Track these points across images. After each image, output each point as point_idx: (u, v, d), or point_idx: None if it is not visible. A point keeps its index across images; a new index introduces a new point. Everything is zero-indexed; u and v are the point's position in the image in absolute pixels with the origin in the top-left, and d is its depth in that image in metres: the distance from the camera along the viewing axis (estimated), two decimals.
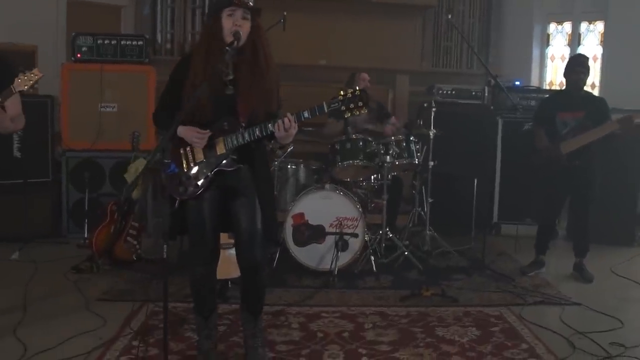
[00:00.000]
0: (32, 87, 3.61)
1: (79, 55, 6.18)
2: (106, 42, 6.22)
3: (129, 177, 5.36)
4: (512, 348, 3.79)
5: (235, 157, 3.17)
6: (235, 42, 3.06)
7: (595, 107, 5.23)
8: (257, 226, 3.25)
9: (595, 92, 8.13)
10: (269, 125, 3.10)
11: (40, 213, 6.12)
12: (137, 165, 5.38)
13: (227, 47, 3.06)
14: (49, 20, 7.64)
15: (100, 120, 6.14)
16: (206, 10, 8.75)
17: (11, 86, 3.54)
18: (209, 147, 3.16)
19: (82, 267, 5.09)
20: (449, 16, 7.67)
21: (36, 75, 3.58)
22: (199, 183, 3.15)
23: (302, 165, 5.74)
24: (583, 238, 5.43)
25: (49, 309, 4.24)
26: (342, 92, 3.09)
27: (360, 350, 3.70)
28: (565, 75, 5.35)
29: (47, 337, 3.71)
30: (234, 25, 3.12)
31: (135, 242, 5.25)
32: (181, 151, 3.19)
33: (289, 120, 3.08)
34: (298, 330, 3.99)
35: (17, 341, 3.67)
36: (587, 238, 5.42)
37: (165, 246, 2.93)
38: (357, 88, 3.09)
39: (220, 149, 3.15)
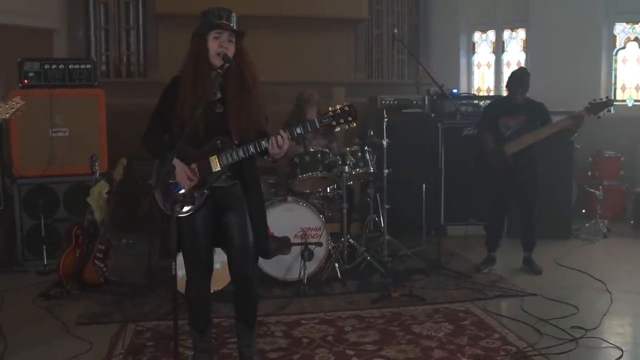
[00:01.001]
0: (13, 115, 3.65)
1: (26, 81, 6.12)
2: (54, 66, 6.18)
3: (92, 200, 5.36)
4: (486, 338, 4.08)
5: (230, 174, 3.31)
6: (226, 65, 3.21)
7: (536, 111, 5.63)
8: (249, 240, 3.40)
9: None
10: (263, 142, 3.26)
11: None
12: (100, 188, 5.40)
13: (218, 70, 3.21)
14: None
15: (52, 145, 6.09)
16: (141, 30, 8.82)
17: None
18: (203, 165, 3.28)
19: (51, 293, 5.07)
20: (395, 31, 7.96)
21: (18, 103, 3.62)
22: (195, 200, 3.27)
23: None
24: (530, 233, 5.81)
25: (29, 337, 4.22)
26: (331, 108, 3.29)
27: (348, 351, 3.89)
28: (508, 86, 5.71)
29: None
30: (220, 47, 3.27)
31: (102, 265, 5.26)
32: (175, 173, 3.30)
33: (282, 138, 3.24)
34: (282, 337, 4.15)
35: None
36: (534, 233, 5.80)
37: (173, 263, 3.01)
38: (346, 104, 3.29)
39: (215, 167, 3.28)
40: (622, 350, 3.85)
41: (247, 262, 3.39)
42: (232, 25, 3.32)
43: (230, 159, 3.28)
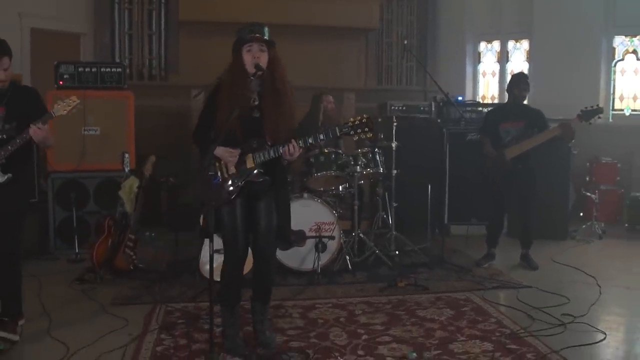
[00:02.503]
0: (70, 112, 4.11)
1: (61, 83, 6.59)
2: (87, 69, 6.66)
3: (123, 193, 5.81)
4: (484, 322, 4.51)
5: (262, 170, 3.77)
6: (258, 72, 3.66)
7: (534, 117, 6.06)
8: (273, 225, 3.88)
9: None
10: (280, 148, 3.73)
11: (28, 232, 6.45)
12: (130, 183, 5.84)
13: (251, 77, 3.67)
14: (14, 48, 7.94)
15: (84, 143, 6.56)
16: (162, 36, 9.31)
17: (51, 111, 4.04)
18: (240, 161, 3.75)
19: (85, 277, 5.54)
20: (405, 42, 8.41)
21: (74, 101, 4.09)
22: (231, 190, 3.73)
23: None
24: (528, 231, 6.24)
25: (70, 315, 4.68)
26: (351, 119, 3.75)
27: (359, 330, 4.34)
28: (509, 90, 6.15)
29: (80, 337, 4.17)
30: (253, 57, 3.73)
31: (132, 253, 5.71)
32: (217, 165, 3.76)
33: (293, 147, 3.71)
34: (299, 318, 4.59)
35: (56, 341, 4.12)
36: (531, 231, 6.23)
37: (210, 244, 3.45)
38: (365, 116, 3.74)
39: (250, 164, 3.75)
40: (605, 334, 4.28)
41: (269, 244, 3.88)
42: (263, 36, 3.75)
43: (262, 158, 3.75)
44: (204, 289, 5.05)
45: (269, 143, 3.78)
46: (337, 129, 3.79)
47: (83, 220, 6.55)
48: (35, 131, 3.97)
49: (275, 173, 3.88)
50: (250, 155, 3.76)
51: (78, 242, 6.36)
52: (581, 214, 8.13)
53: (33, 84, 7.62)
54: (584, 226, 7.67)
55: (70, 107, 4.12)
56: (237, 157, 3.73)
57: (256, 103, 3.78)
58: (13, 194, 4.16)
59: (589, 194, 7.87)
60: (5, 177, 4.08)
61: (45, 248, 6.56)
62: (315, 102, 6.77)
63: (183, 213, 6.97)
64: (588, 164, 8.39)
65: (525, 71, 9.23)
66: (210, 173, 3.61)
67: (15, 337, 4.09)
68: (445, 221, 7.51)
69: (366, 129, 3.74)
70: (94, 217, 6.54)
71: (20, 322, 4.26)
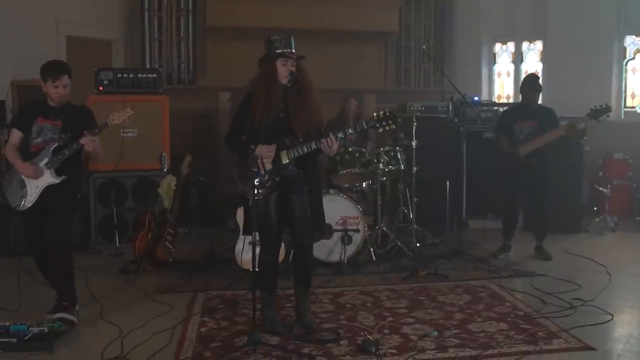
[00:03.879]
0: (124, 122, 4.57)
1: (101, 88, 7.04)
2: (125, 75, 7.12)
3: (162, 191, 6.25)
4: (499, 305, 4.90)
5: (295, 166, 4.18)
6: (293, 79, 4.09)
7: (547, 116, 6.41)
8: (308, 216, 4.30)
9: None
10: (318, 142, 4.13)
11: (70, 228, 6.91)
12: (169, 181, 6.28)
13: (288, 84, 4.09)
14: (51, 55, 8.41)
15: (122, 144, 7.00)
16: (190, 41, 9.72)
17: (107, 120, 4.50)
18: (275, 159, 4.16)
19: (128, 269, 5.97)
20: (424, 47, 8.80)
21: (128, 112, 4.55)
22: (269, 185, 4.15)
23: None
24: (542, 224, 6.60)
25: (118, 302, 5.11)
26: (375, 114, 4.15)
27: (384, 313, 4.74)
28: (522, 91, 6.51)
29: (130, 320, 4.59)
30: (287, 70, 4.15)
31: (171, 246, 6.14)
32: (258, 161, 4.18)
33: (331, 139, 4.12)
34: (329, 304, 5.01)
35: (109, 324, 4.56)
36: (545, 224, 6.59)
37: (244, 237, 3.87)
38: (387, 110, 4.14)
39: (284, 159, 4.17)
40: (612, 315, 4.64)
41: (305, 234, 4.30)
42: (294, 51, 4.18)
43: (296, 153, 4.17)
44: (240, 277, 5.47)
45: (301, 140, 4.19)
46: (364, 123, 4.21)
47: (122, 216, 6.99)
48: (87, 139, 4.43)
49: (308, 167, 4.30)
50: (285, 152, 4.17)
51: (118, 237, 6.79)
52: (595, 209, 8.40)
53: (70, 89, 8.08)
54: (596, 220, 7.98)
55: (125, 117, 4.62)
56: (274, 152, 4.14)
57: (282, 105, 4.21)
58: (65, 192, 4.65)
59: (601, 188, 8.19)
60: (60, 178, 4.57)
61: (87, 243, 7.00)
62: (343, 103, 7.14)
63: (214, 210, 7.43)
64: (601, 160, 8.69)
65: (539, 71, 9.63)
66: (253, 169, 4.05)
67: (75, 319, 4.53)
68: (464, 216, 7.86)
69: (390, 122, 4.14)
70: (132, 213, 7.00)
71: (76, 307, 4.70)
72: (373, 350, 3.94)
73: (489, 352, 3.97)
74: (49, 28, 8.46)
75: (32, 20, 8.10)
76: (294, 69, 4.17)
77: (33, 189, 4.56)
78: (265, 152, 4.16)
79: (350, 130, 4.20)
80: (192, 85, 9.71)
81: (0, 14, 7.86)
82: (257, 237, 4.14)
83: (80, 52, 8.83)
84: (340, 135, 4.21)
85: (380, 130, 4.18)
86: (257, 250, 4.21)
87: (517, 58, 10.00)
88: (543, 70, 9.58)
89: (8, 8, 7.86)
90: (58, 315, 4.47)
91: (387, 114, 4.17)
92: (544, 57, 9.64)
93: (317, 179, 4.41)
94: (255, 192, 4.05)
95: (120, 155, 7.00)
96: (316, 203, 4.34)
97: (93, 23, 9.09)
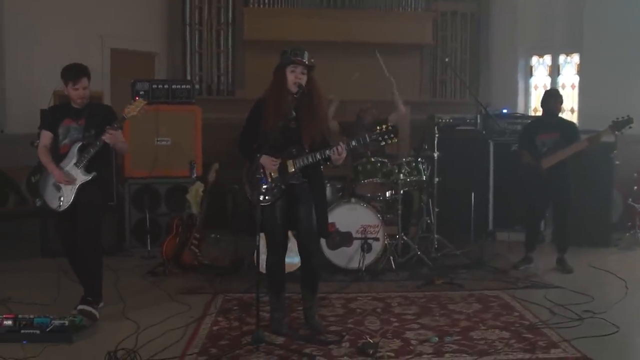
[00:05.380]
0: (139, 112, 4.83)
1: (137, 98, 7.29)
2: (159, 86, 7.43)
3: (191, 197, 6.52)
4: (507, 315, 4.98)
5: (301, 174, 4.37)
6: (300, 91, 4.27)
7: (568, 129, 6.46)
8: (313, 224, 4.46)
9: (574, 116, 9.38)
10: (327, 151, 4.31)
11: (107, 232, 7.22)
12: (197, 187, 6.55)
13: (294, 95, 4.28)
14: (96, 67, 8.81)
15: (156, 152, 7.32)
16: (230, 54, 10.05)
17: (123, 114, 4.78)
18: (281, 167, 4.35)
19: (156, 271, 6.25)
20: (446, 59, 8.95)
21: (141, 102, 4.82)
22: (275, 192, 4.35)
23: (328, 185, 6.87)
24: (564, 236, 6.61)
25: (142, 300, 5.39)
26: (378, 128, 4.32)
27: (391, 319, 4.88)
28: (543, 104, 6.57)
29: (150, 318, 4.84)
30: (296, 78, 4.33)
31: (197, 250, 6.39)
32: (261, 170, 4.37)
33: (341, 147, 4.28)
34: (340, 308, 5.17)
35: (129, 320, 4.82)
36: (567, 236, 6.59)
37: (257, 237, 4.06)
38: (390, 124, 4.33)
39: (290, 168, 4.35)
40: (618, 328, 4.66)
41: (311, 239, 4.47)
42: (304, 60, 4.36)
43: (302, 163, 4.35)
44: (258, 281, 5.65)
45: (307, 150, 4.37)
46: (367, 136, 4.37)
47: (155, 221, 7.29)
48: (108, 135, 4.70)
49: (313, 176, 4.47)
50: (291, 161, 4.36)
51: (150, 240, 7.09)
52: (629, 224, 8.33)
53: (113, 100, 8.46)
54: (627, 235, 7.92)
55: (138, 108, 4.89)
56: (278, 164, 4.33)
57: (293, 115, 4.38)
58: (96, 190, 4.96)
59: (634, 203, 8.11)
60: (90, 175, 4.86)
61: (121, 246, 7.31)
62: (359, 113, 7.29)
63: (244, 216, 7.64)
64: (636, 174, 8.60)
65: (576, 84, 9.61)
66: (257, 176, 4.26)
67: (97, 314, 4.80)
68: (490, 227, 7.91)
69: (391, 135, 4.30)
70: (165, 218, 7.28)
71: (101, 304, 4.98)
72: (371, 352, 4.08)
73: (485, 358, 4.07)
74: (94, 41, 8.89)
75: (77, 33, 8.54)
76: (303, 77, 4.34)
77: (69, 190, 4.86)
78: (269, 164, 4.34)
79: (353, 143, 4.37)
80: (231, 96, 10.02)
81: (48, 28, 8.32)
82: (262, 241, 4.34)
83: (124, 65, 9.26)
84: (352, 143, 4.38)
85: (382, 143, 4.34)
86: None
87: (554, 71, 9.97)
88: (580, 83, 9.55)
89: (55, 22, 8.33)
90: (80, 307, 4.77)
91: (390, 128, 4.32)
92: (581, 70, 9.60)
93: (321, 188, 4.59)
94: (262, 198, 4.25)
95: (154, 163, 7.30)
96: (321, 211, 4.50)
97: (136, 36, 9.51)
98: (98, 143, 4.79)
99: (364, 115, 7.14)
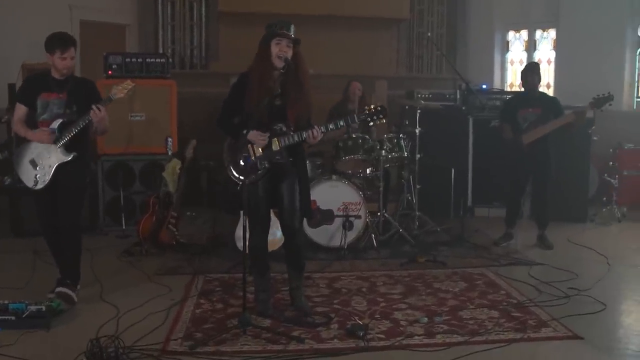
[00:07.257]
0: (126, 95, 4.63)
1: (110, 72, 7.13)
2: (133, 60, 7.19)
3: (167, 174, 6.34)
4: (493, 293, 4.93)
5: (286, 153, 4.23)
6: (286, 66, 4.11)
7: (550, 104, 6.40)
8: (296, 203, 4.34)
9: (550, 92, 9.35)
10: (304, 133, 4.19)
11: None
12: (173, 164, 6.37)
13: (281, 70, 4.12)
14: None
15: (130, 128, 7.11)
16: (203, 26, 9.81)
17: (109, 95, 4.56)
18: (266, 145, 4.20)
19: (132, 250, 6.09)
20: (429, 34, 8.82)
21: (129, 84, 4.61)
22: (259, 171, 4.20)
23: (308, 162, 6.74)
24: (544, 212, 6.59)
25: (119, 283, 5.22)
26: (367, 108, 4.21)
27: (378, 299, 4.79)
28: (523, 79, 6.49)
29: (129, 301, 4.68)
30: (280, 51, 4.17)
31: (174, 229, 6.24)
32: (248, 147, 4.23)
33: (316, 131, 4.17)
34: (325, 288, 5.07)
35: (107, 304, 4.66)
36: (547, 212, 6.57)
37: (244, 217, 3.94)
38: (379, 104, 4.19)
39: (275, 147, 4.20)
40: (605, 305, 4.65)
41: (294, 218, 4.33)
42: (290, 34, 4.20)
43: (287, 142, 4.20)
44: (239, 260, 5.54)
45: (292, 128, 4.23)
46: (355, 116, 4.24)
47: (130, 199, 7.11)
48: (95, 112, 4.48)
49: (295, 155, 4.33)
50: (276, 139, 4.21)
51: (125, 219, 6.91)
52: (604, 199, 8.37)
53: (82, 73, 8.17)
54: (604, 210, 7.95)
55: (126, 90, 4.67)
56: (267, 139, 4.18)
57: (279, 92, 4.23)
58: (77, 170, 4.72)
59: (609, 178, 8.15)
60: (71, 155, 4.62)
61: (95, 225, 7.11)
62: (345, 89, 7.18)
63: (223, 194, 7.49)
64: (611, 150, 8.63)
65: (552, 59, 9.59)
66: (244, 154, 4.11)
67: (74, 296, 4.63)
68: (469, 203, 7.87)
69: (380, 116, 4.18)
70: (140, 196, 7.10)
71: (77, 287, 4.80)
72: (361, 334, 4.00)
73: (476, 338, 4.01)
74: (62, 12, 8.57)
75: (46, 4, 8.21)
76: (289, 50, 4.19)
77: (46, 169, 4.62)
78: (258, 139, 4.19)
79: (341, 123, 4.24)
80: (205, 70, 9.80)
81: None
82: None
83: (94, 37, 8.96)
84: (331, 127, 4.25)
85: (371, 124, 4.22)
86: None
87: (530, 46, 9.96)
88: (556, 59, 9.55)
89: None
90: (58, 289, 4.59)
91: (379, 108, 4.20)
92: (557, 45, 9.60)
93: (304, 167, 4.45)
94: (245, 176, 4.11)
95: (128, 139, 7.10)
96: (304, 190, 4.38)
97: (106, 8, 9.21)
98: (82, 122, 4.54)
99: (349, 99, 7.03)
